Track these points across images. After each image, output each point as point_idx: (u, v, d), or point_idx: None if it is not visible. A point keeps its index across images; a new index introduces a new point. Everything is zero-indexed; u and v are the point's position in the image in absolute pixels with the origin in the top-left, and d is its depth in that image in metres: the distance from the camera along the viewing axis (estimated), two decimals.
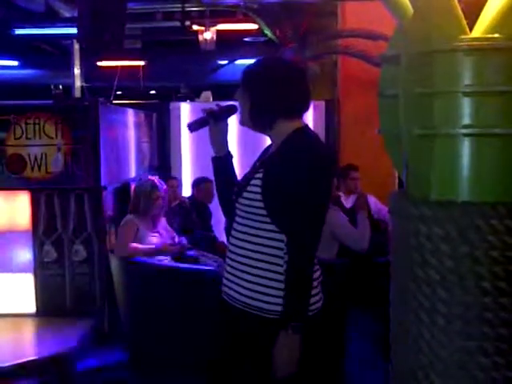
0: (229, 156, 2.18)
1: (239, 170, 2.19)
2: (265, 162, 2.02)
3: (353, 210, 4.90)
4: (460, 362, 1.81)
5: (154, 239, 4.11)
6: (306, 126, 2.06)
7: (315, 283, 1.99)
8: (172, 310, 3.68)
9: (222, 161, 2.17)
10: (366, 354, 3.83)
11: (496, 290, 1.77)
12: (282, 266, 1.92)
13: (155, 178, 4.30)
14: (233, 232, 2.06)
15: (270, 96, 1.99)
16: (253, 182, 1.97)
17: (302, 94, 2.04)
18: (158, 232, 4.19)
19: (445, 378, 1.84)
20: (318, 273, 2.02)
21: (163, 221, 4.32)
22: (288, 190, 1.89)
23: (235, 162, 2.21)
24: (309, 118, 5.99)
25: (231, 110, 2.14)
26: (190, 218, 5.25)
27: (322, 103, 6.17)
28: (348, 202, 5.00)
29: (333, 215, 3.60)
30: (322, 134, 5.99)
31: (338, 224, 3.70)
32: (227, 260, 2.07)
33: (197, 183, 5.54)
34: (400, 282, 2.00)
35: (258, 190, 1.94)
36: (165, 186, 4.29)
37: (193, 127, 2.13)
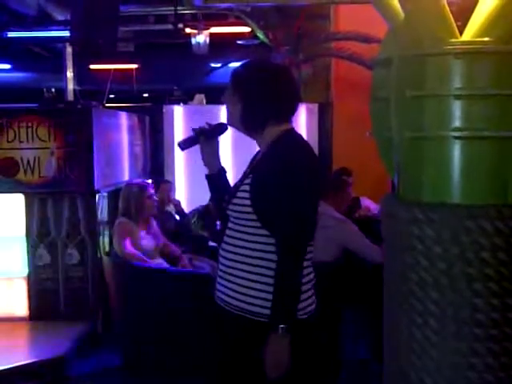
0: (222, 172, 2.19)
1: (234, 179, 2.20)
2: (254, 168, 2.03)
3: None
4: (452, 363, 1.83)
5: (146, 241, 4.08)
6: (293, 128, 2.07)
7: (309, 285, 1.99)
8: (166, 313, 3.68)
9: (216, 178, 2.19)
10: (360, 354, 3.84)
11: (487, 292, 1.78)
12: (274, 269, 1.93)
13: (143, 180, 4.26)
14: (225, 237, 2.06)
15: (262, 98, 1.99)
16: (242, 187, 1.98)
17: (291, 96, 2.05)
18: (151, 234, 4.16)
19: (437, 378, 1.85)
20: (311, 275, 2.02)
21: (154, 223, 4.28)
22: (275, 191, 1.89)
23: (230, 168, 2.23)
24: (302, 120, 5.99)
25: (221, 128, 2.16)
26: (184, 221, 5.24)
27: (316, 106, 6.16)
28: None
29: (346, 229, 3.49)
30: (315, 137, 5.99)
31: (353, 238, 3.54)
32: (219, 265, 2.07)
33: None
34: (392, 283, 2.01)
35: (247, 195, 1.94)
36: (147, 181, 4.20)
37: (183, 146, 2.16)
